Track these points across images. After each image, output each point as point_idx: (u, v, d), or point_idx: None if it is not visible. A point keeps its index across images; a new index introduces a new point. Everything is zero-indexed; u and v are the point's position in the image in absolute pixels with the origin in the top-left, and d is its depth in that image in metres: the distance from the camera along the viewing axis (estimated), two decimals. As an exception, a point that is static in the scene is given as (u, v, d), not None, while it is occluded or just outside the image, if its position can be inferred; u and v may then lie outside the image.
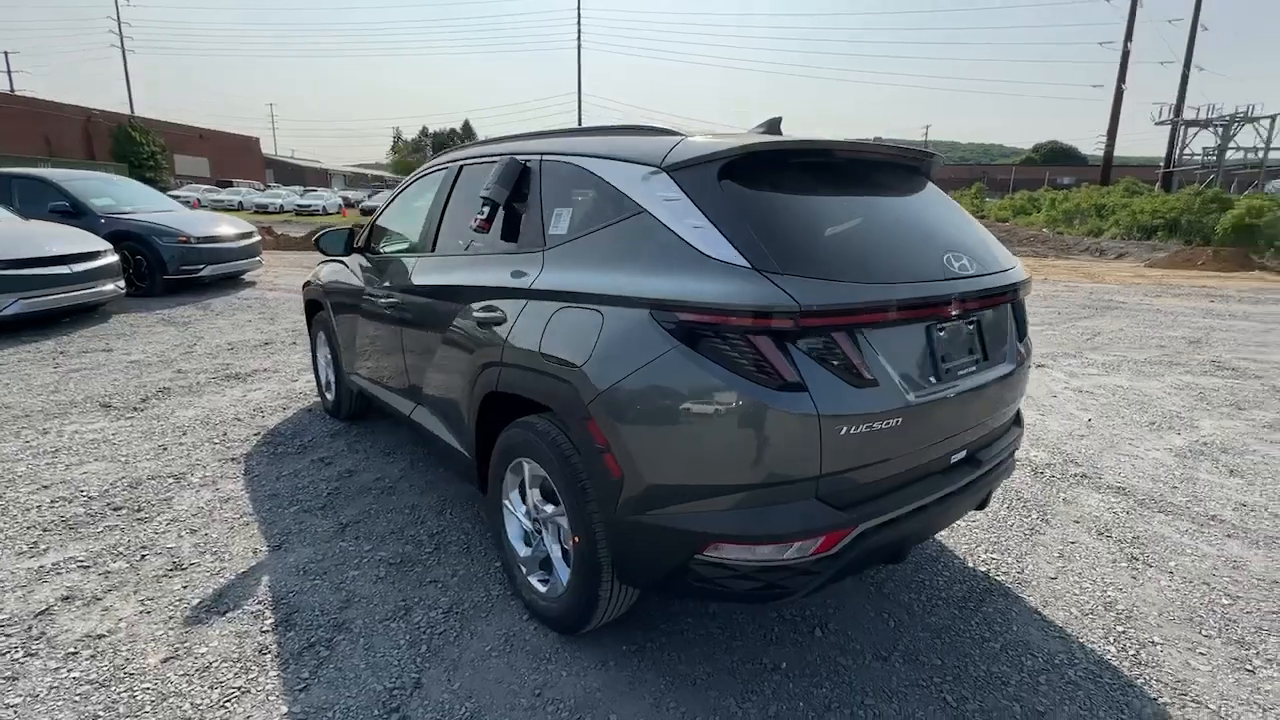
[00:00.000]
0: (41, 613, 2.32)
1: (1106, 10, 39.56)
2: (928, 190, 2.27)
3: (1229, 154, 33.79)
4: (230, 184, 42.82)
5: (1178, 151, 35.44)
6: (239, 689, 1.98)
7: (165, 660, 2.10)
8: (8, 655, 2.10)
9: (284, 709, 1.90)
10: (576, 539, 1.98)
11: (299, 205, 35.60)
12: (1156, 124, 36.44)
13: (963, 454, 2.03)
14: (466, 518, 3.04)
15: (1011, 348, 2.21)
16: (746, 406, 1.60)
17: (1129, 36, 39.12)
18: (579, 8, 48.88)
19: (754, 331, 1.60)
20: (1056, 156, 79.56)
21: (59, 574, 2.55)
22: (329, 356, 4.26)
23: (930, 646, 2.21)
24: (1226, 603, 2.48)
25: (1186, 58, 38.08)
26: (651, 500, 1.75)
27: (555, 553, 2.20)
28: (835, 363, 1.64)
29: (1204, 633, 2.31)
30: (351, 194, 45.10)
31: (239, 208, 33.26)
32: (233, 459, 3.67)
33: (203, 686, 1.98)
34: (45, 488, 3.27)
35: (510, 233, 2.42)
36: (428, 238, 2.99)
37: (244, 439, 3.95)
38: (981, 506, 2.31)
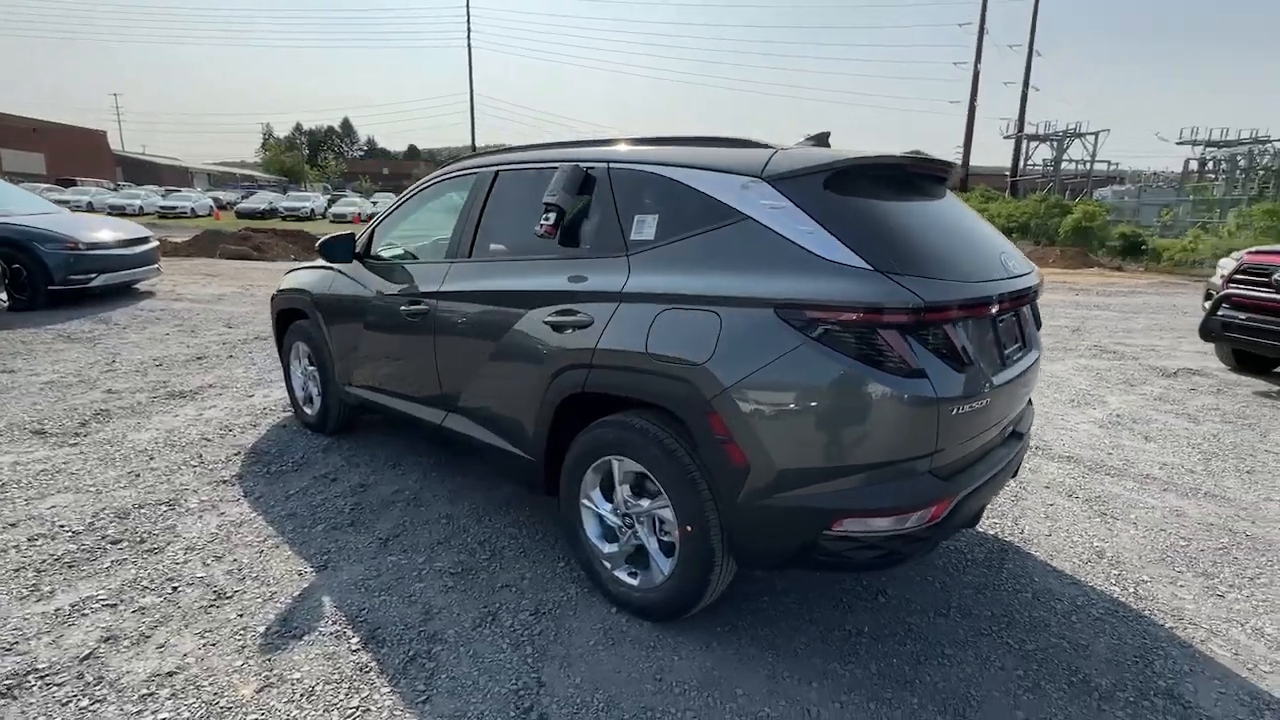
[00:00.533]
0: (86, 657, 2.11)
1: (960, 34, 43.70)
2: (951, 197, 2.57)
3: (1063, 165, 38.58)
4: (74, 183, 38.05)
5: (1022, 162, 39.91)
6: (357, 708, 1.92)
7: (261, 690, 1.99)
8: (71, 704, 1.91)
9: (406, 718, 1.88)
10: (688, 528, 2.09)
11: (162, 207, 32.27)
12: (1005, 138, 40.79)
13: (1010, 429, 2.34)
14: (509, 523, 3.04)
15: (1036, 336, 2.55)
16: (878, 393, 1.79)
17: (978, 59, 43.45)
18: (468, 6, 47.69)
19: (884, 326, 1.79)
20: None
21: (84, 615, 2.32)
22: (309, 368, 4.04)
23: (976, 601, 2.51)
24: (1183, 544, 2.98)
25: (1025, 79, 42.83)
26: (782, 484, 1.90)
27: (651, 545, 2.29)
28: (945, 352, 1.87)
29: (1176, 569, 2.77)
30: (221, 194, 41.48)
31: (89, 209, 29.66)
32: (223, 481, 3.41)
33: (317, 711, 1.91)
34: (12, 525, 2.92)
35: (579, 238, 2.47)
36: (461, 243, 2.96)
37: (224, 460, 3.68)
38: (1015, 474, 2.64)
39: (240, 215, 32.51)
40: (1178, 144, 39.42)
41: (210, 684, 2.01)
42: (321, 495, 3.28)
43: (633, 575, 2.36)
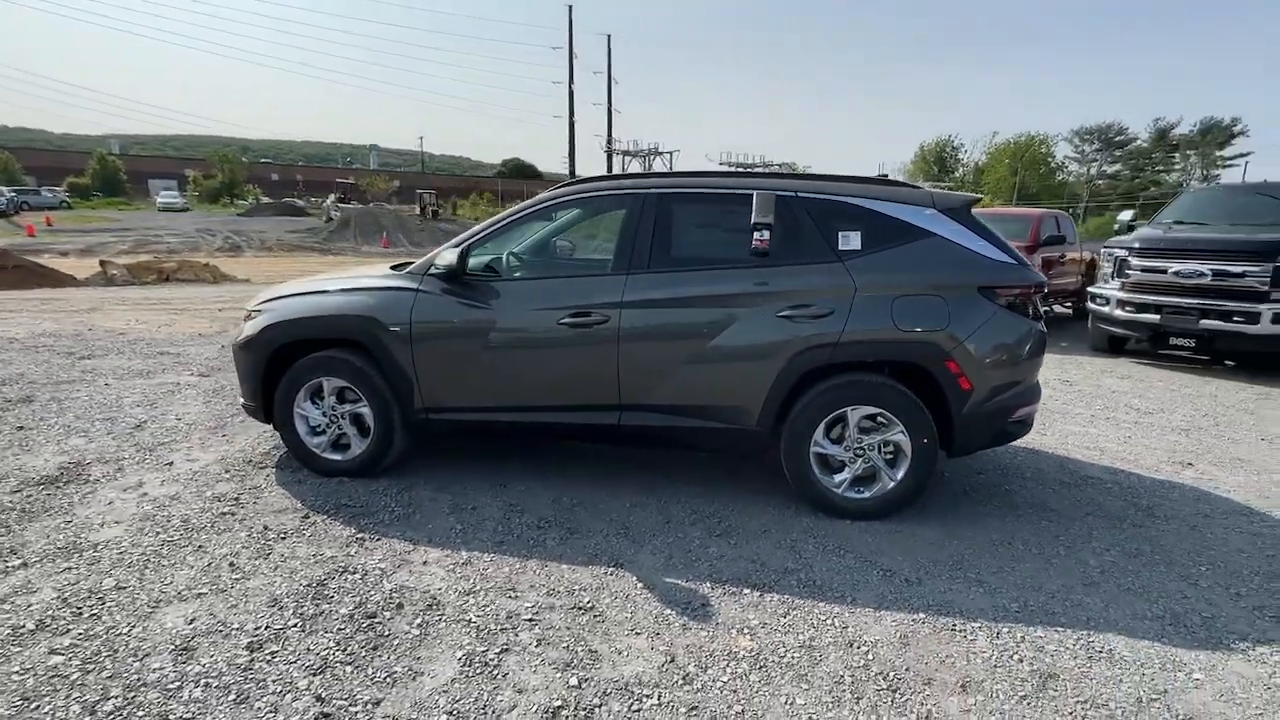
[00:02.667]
0: (577, 685, 2.10)
1: (557, 56, 49.07)
2: None
3: (652, 177, 47.25)
4: None
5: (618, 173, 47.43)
6: (828, 613, 2.47)
7: (754, 638, 2.35)
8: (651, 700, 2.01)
9: (863, 613, 2.53)
10: (925, 440, 3.13)
11: None
12: (603, 151, 47.70)
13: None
14: (689, 497, 3.49)
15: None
16: (1032, 334, 3.16)
17: (571, 80, 49.64)
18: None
19: (1032, 295, 3.17)
20: (521, 171, 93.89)
21: (495, 666, 2.18)
22: (341, 406, 3.56)
23: (1023, 470, 4.11)
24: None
25: (608, 101, 50.67)
26: (991, 396, 3.12)
27: (880, 463, 3.23)
28: (1040, 309, 3.32)
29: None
30: None
31: None
32: (356, 540, 2.97)
33: (812, 628, 2.40)
34: (234, 634, 2.22)
35: (779, 250, 3.21)
36: (635, 257, 3.28)
37: (299, 527, 3.09)
38: None
39: None
40: (719, 164, 51.97)
41: (711, 653, 2.28)
42: (491, 526, 3.17)
43: (860, 491, 3.27)
